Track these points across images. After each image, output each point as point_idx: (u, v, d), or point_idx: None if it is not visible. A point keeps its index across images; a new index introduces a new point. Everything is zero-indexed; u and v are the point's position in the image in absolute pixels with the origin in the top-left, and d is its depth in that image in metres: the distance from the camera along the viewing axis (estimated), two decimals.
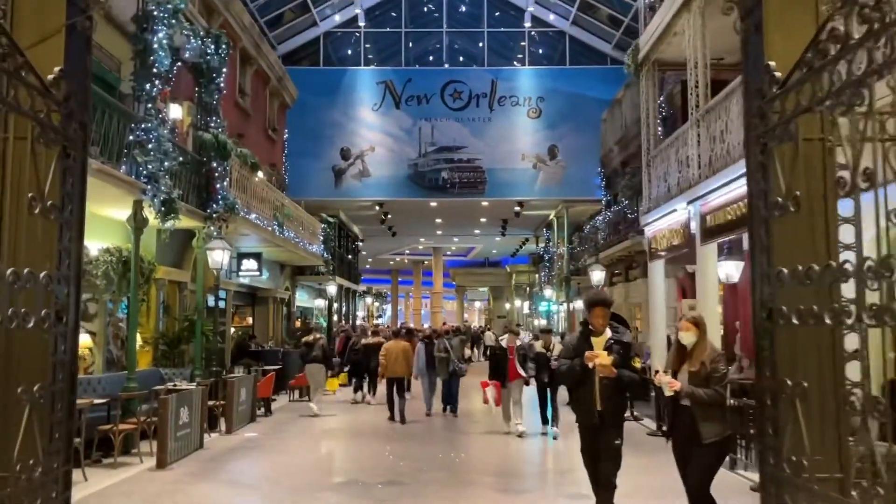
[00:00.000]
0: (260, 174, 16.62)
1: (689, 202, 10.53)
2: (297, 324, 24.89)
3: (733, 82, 9.42)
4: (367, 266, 47.44)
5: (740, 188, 8.98)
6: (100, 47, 12.33)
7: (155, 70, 10.86)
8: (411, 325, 27.29)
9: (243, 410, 12.49)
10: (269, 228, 16.50)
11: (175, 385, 11.41)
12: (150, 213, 10.68)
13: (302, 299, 27.52)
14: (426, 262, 45.58)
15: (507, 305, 47.88)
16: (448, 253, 44.47)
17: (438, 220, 30.64)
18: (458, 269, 48.79)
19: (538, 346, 11.74)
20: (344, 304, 30.96)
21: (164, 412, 8.89)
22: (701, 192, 10.22)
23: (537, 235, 33.75)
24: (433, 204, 26.53)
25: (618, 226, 21.01)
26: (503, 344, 11.68)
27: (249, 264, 17.73)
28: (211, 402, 11.97)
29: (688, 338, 5.14)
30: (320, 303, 28.01)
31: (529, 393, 12.23)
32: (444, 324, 29.37)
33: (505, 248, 41.29)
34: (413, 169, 25.36)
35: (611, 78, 24.87)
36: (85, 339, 10.92)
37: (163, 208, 10.72)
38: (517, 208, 26.64)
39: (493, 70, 25.69)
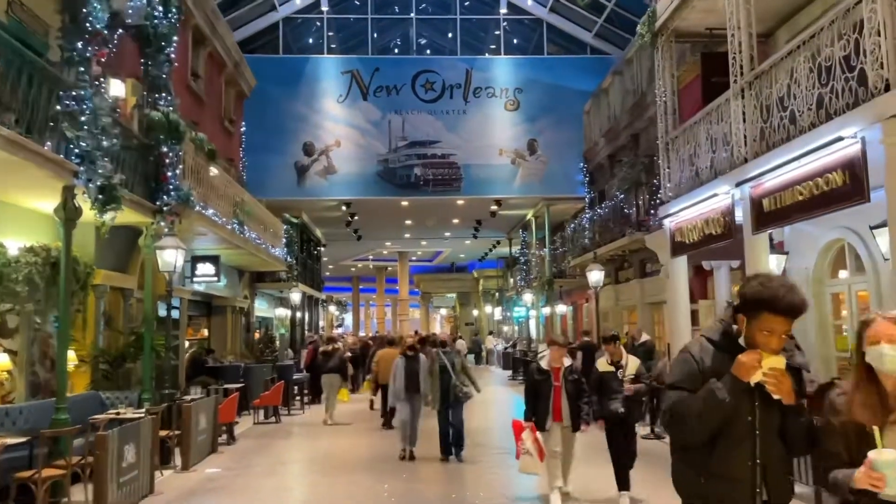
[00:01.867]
0: (214, 170, 14.55)
1: (737, 184, 8.94)
2: (258, 335, 22.73)
3: (800, 35, 7.86)
4: (328, 273, 45.25)
5: (814, 163, 7.41)
6: (21, 4, 10.21)
7: (89, 26, 8.81)
8: (390, 333, 25.47)
9: (203, 441, 10.44)
10: (229, 227, 14.45)
11: (119, 413, 9.34)
12: (84, 203, 8.62)
13: (262, 308, 25.33)
14: (390, 269, 43.66)
15: (476, 312, 46.22)
16: (413, 259, 42.62)
17: (408, 222, 28.79)
18: (423, 276, 46.96)
19: (602, 364, 7.61)
20: (307, 312, 28.83)
21: (103, 452, 6.86)
22: (752, 172, 8.64)
23: (510, 238, 32.16)
24: (404, 203, 24.69)
25: (608, 223, 19.50)
26: (543, 364, 7.40)
27: (206, 268, 15.58)
28: (163, 433, 9.90)
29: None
30: (282, 312, 25.86)
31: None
32: (422, 333, 27.56)
33: (473, 252, 39.63)
34: (383, 165, 23.48)
35: (592, 68, 23.49)
36: (2, 360, 8.78)
37: (100, 196, 8.68)
38: (494, 207, 24.98)
39: (468, 59, 24.03)
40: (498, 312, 40.34)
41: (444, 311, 57.74)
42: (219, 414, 11.30)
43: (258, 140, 22.48)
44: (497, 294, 41.97)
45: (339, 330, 49.68)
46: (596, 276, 15.90)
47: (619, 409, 7.21)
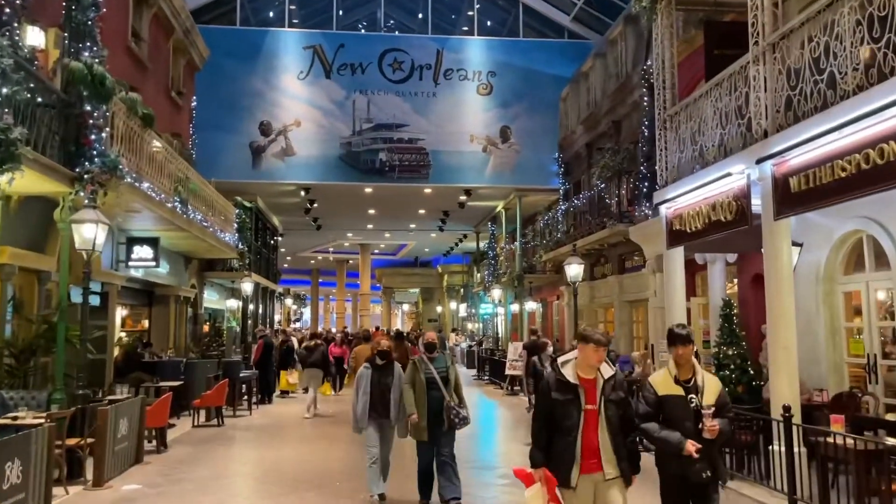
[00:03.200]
0: (157, 143, 12.86)
1: (757, 162, 7.70)
2: (206, 328, 20.99)
3: None
4: (286, 266, 43.40)
5: (861, 133, 6.20)
6: None
7: None
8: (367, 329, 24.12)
9: (123, 449, 8.85)
10: (169, 205, 12.80)
11: (16, 418, 7.73)
12: None
13: (212, 299, 23.56)
14: (351, 262, 42.03)
15: (440, 308, 44.86)
16: (375, 252, 41.07)
17: (372, 212, 27.25)
18: (385, 270, 45.42)
19: (662, 381, 4.59)
20: (261, 305, 27.10)
21: None
22: (775, 147, 7.42)
23: (478, 231, 30.85)
24: (368, 190, 23.16)
25: (585, 215, 18.30)
26: (568, 374, 4.24)
27: (143, 252, 13.91)
28: (72, 442, 8.30)
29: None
30: (233, 303, 24.12)
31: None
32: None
33: (438, 246, 38.28)
34: (346, 148, 21.92)
35: (570, 53, 22.29)
36: None
37: None
38: (463, 197, 23.60)
39: (439, 39, 22.59)
40: (463, 309, 39.02)
41: (406, 307, 56.26)
42: (146, 417, 9.70)
43: (210, 117, 20.74)
44: (462, 290, 40.66)
45: (297, 324, 47.88)
46: (575, 269, 14.63)
47: (705, 473, 4.37)
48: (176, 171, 13.48)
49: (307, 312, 52.49)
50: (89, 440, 8.21)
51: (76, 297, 9.73)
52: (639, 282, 16.34)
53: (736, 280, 12.33)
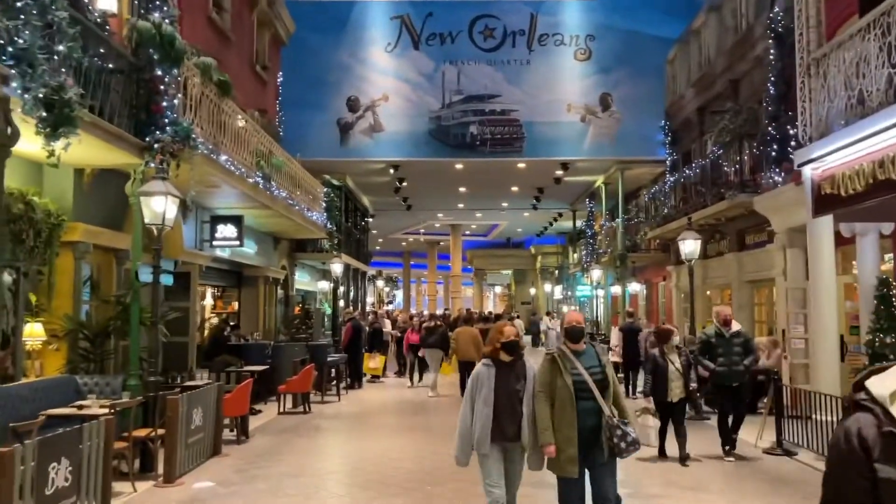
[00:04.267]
0: (239, 118, 12.19)
1: None
2: (297, 310, 20.59)
3: None
4: (378, 248, 43.11)
5: None
6: None
7: None
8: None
9: (199, 441, 8.16)
10: (251, 181, 12.13)
11: (81, 408, 7.12)
12: (25, 123, 6.33)
13: (303, 281, 23.23)
14: (442, 244, 41.20)
15: (533, 290, 43.47)
16: (466, 233, 40.05)
17: (462, 190, 26.16)
18: (476, 251, 44.36)
19: None
20: (352, 287, 26.64)
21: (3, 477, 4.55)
22: None
23: (574, 209, 29.24)
24: (458, 166, 22.06)
25: (697, 187, 16.53)
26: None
27: (227, 230, 13.38)
28: (144, 432, 7.65)
29: None
30: (324, 285, 23.68)
31: None
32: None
33: (531, 226, 36.79)
34: (435, 123, 20.88)
35: (678, 11, 20.29)
36: None
37: (44, 114, 6.34)
38: (559, 172, 22.14)
39: (533, 2, 21.09)
40: (558, 291, 37.50)
41: (498, 289, 55.19)
42: (223, 406, 9.01)
43: (297, 94, 20.14)
44: (556, 272, 39.15)
45: (390, 307, 47.69)
46: (690, 245, 13.06)
47: None
48: (258, 145, 12.80)
49: (399, 295, 52.28)
50: (160, 431, 7.52)
51: (163, 278, 9.11)
52: (762, 259, 14.54)
53: (893, 255, 10.47)
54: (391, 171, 21.95)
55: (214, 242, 13.36)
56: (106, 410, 6.77)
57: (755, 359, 9.06)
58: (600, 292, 25.85)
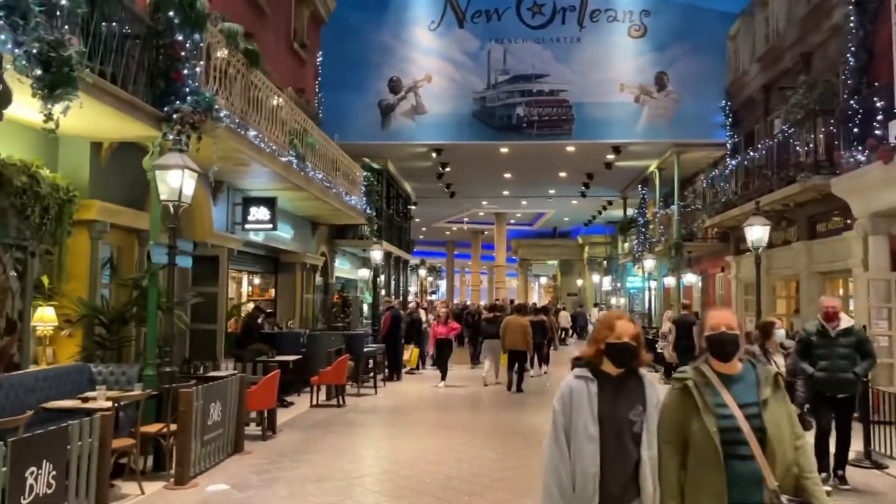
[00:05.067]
0: (280, 99, 11.47)
1: None
2: (336, 298, 19.99)
3: None
4: (421, 237, 42.43)
5: None
6: None
7: None
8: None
9: (217, 438, 7.48)
10: (283, 159, 11.44)
11: (86, 400, 6.50)
12: (19, 84, 5.67)
13: (343, 268, 22.64)
14: (486, 233, 40.27)
15: (580, 281, 42.24)
16: (511, 222, 39.04)
17: (507, 176, 25.17)
18: (521, 241, 43.29)
19: None
20: (393, 276, 25.94)
21: None
22: None
23: (625, 197, 28.00)
24: (504, 150, 21.10)
25: (763, 170, 15.28)
26: None
27: (259, 213, 12.76)
28: (155, 428, 6.99)
29: None
30: (365, 273, 23.05)
31: None
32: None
33: (578, 215, 35.59)
34: (479, 104, 19.95)
35: None
36: None
37: (40, 73, 5.67)
38: (610, 156, 21.00)
39: None
40: (606, 282, 36.25)
41: (543, 280, 54.02)
42: (246, 399, 8.33)
43: (337, 75, 19.46)
44: (605, 262, 37.87)
45: (433, 297, 47.02)
46: (758, 231, 11.90)
47: None
48: (292, 122, 12.10)
49: (443, 285, 51.57)
50: (174, 427, 6.85)
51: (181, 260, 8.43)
52: (836, 248, 13.27)
53: None
54: (433, 154, 21.12)
55: (247, 225, 12.76)
56: (110, 404, 6.11)
57: (870, 364, 7.27)
58: (652, 284, 24.61)
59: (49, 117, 5.84)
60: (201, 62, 8.42)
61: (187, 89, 8.17)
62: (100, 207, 8.26)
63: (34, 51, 5.56)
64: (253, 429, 9.11)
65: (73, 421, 5.03)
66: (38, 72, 5.65)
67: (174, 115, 7.90)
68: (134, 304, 8.33)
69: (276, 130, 11.28)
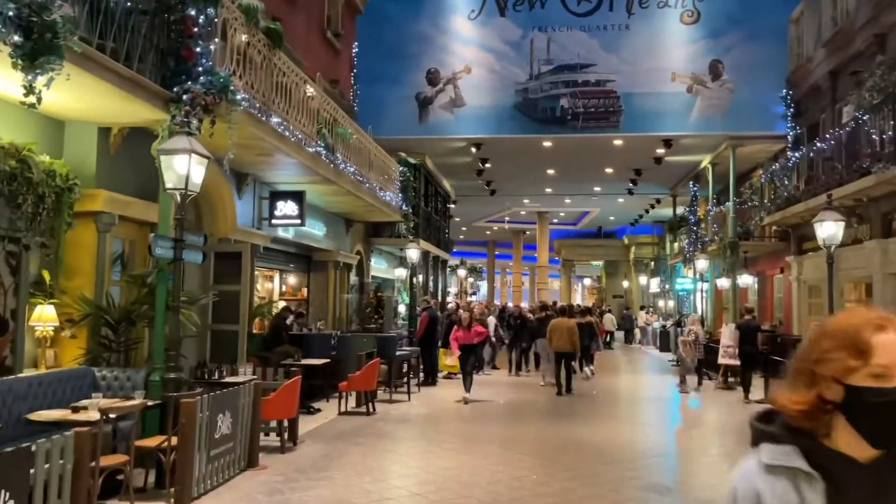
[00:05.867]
0: (311, 88, 10.74)
1: None
2: (371, 298, 19.26)
3: None
4: (461, 237, 41.55)
5: None
6: None
7: None
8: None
9: (225, 452, 6.73)
10: (311, 150, 10.71)
11: (76, 409, 5.82)
12: None
13: (379, 268, 21.95)
14: (528, 233, 39.21)
15: (626, 283, 40.87)
16: (554, 221, 37.90)
17: (550, 172, 24.14)
18: (564, 241, 42.08)
19: None
20: (431, 276, 25.14)
21: None
22: None
23: (675, 195, 26.69)
24: (546, 144, 20.12)
25: (831, 162, 14.04)
26: None
27: (287, 208, 12.07)
28: (155, 442, 6.28)
29: None
30: (402, 273, 22.28)
31: None
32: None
33: (624, 214, 34.31)
34: (521, 96, 19.01)
35: None
36: None
37: (18, 38, 4.98)
38: (660, 150, 19.87)
39: None
40: (654, 284, 34.88)
41: (587, 282, 52.65)
42: (261, 409, 7.58)
43: (373, 67, 18.77)
44: (652, 263, 36.47)
45: (474, 298, 46.12)
46: (830, 228, 10.75)
47: None
48: (321, 111, 11.37)
49: (484, 286, 50.63)
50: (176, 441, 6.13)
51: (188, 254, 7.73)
52: None
53: None
54: (473, 149, 20.25)
55: (274, 221, 12.09)
56: (98, 416, 5.40)
57: None
58: (704, 285, 23.32)
59: (30, 90, 5.15)
60: (216, 40, 7.72)
61: (200, 69, 7.46)
62: (107, 197, 7.61)
63: (10, 13, 4.87)
64: (272, 439, 8.39)
65: (42, 440, 4.30)
66: (17, 38, 4.96)
67: (184, 96, 7.19)
68: (143, 302, 7.66)
69: (303, 119, 10.56)
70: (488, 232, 41.94)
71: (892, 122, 11.48)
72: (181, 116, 6.99)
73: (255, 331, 12.61)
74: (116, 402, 6.09)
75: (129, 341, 7.71)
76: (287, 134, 9.67)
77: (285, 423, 8.45)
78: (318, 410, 11.15)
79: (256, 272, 14.30)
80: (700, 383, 15.31)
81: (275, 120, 9.24)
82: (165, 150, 6.63)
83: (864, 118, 12.23)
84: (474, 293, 53.09)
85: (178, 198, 6.72)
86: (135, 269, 8.44)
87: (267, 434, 8.62)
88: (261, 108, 8.81)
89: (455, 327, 13.13)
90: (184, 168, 6.59)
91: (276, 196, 12.10)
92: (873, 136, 11.93)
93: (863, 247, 13.71)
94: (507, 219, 36.88)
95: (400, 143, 18.65)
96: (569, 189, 27.85)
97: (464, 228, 38.59)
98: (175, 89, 7.28)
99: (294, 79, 10.30)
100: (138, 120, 7.53)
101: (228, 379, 8.31)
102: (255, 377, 8.53)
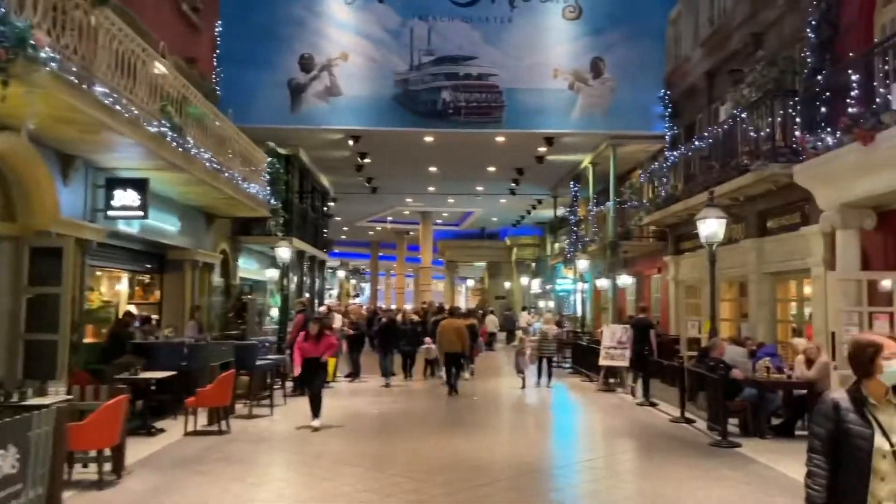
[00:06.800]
0: (161, 66, 9.21)
1: None
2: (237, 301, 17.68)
3: None
4: (343, 237, 40.15)
5: None
6: None
7: None
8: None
9: (10, 497, 5.28)
10: (152, 129, 9.23)
11: None
12: None
13: (250, 268, 20.34)
14: (411, 233, 38.40)
15: (508, 284, 40.86)
16: (438, 222, 37.30)
17: (433, 169, 23.37)
18: (448, 242, 41.60)
19: None
20: (307, 277, 23.70)
21: None
22: None
23: (556, 196, 26.63)
24: (428, 139, 19.29)
25: (708, 161, 13.99)
26: None
27: (126, 198, 10.44)
28: None
29: None
30: (273, 273, 20.78)
31: None
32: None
33: (507, 215, 34.17)
34: (401, 87, 18.07)
35: None
36: None
37: None
38: (542, 149, 19.53)
39: None
40: (536, 285, 34.93)
41: (470, 283, 52.54)
42: (67, 438, 6.13)
43: (240, 49, 17.20)
44: (533, 264, 36.59)
45: (357, 301, 44.76)
46: (713, 225, 10.45)
47: None
48: (164, 85, 9.88)
49: (368, 288, 49.37)
50: None
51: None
52: (789, 246, 12.07)
53: None
54: (350, 142, 19.13)
55: (110, 212, 10.42)
56: None
57: None
58: (584, 286, 23.27)
59: None
60: None
61: None
62: None
63: None
64: (91, 471, 6.93)
65: None
66: None
67: None
68: None
69: (142, 93, 9.08)
70: (371, 232, 40.80)
71: (769, 120, 11.40)
72: None
73: (88, 340, 10.92)
74: None
75: None
76: (119, 108, 8.19)
77: (107, 452, 7.02)
78: (162, 431, 9.67)
79: (98, 272, 12.57)
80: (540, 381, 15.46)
81: (100, 90, 7.75)
82: None
83: (742, 115, 12.14)
84: (357, 295, 51.73)
85: None
86: None
87: (85, 465, 7.16)
88: (80, 74, 7.32)
89: (301, 336, 10.61)
90: None
91: (114, 184, 10.44)
92: (751, 134, 11.84)
93: (739, 246, 13.73)
94: (389, 219, 35.91)
95: (270, 132, 17.22)
96: (452, 188, 27.21)
97: (345, 228, 37.27)
98: None
99: (131, 45, 8.81)
100: None
101: (33, 401, 6.79)
102: (68, 397, 7.04)
